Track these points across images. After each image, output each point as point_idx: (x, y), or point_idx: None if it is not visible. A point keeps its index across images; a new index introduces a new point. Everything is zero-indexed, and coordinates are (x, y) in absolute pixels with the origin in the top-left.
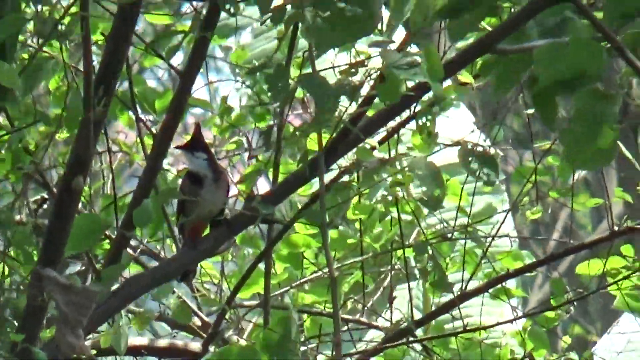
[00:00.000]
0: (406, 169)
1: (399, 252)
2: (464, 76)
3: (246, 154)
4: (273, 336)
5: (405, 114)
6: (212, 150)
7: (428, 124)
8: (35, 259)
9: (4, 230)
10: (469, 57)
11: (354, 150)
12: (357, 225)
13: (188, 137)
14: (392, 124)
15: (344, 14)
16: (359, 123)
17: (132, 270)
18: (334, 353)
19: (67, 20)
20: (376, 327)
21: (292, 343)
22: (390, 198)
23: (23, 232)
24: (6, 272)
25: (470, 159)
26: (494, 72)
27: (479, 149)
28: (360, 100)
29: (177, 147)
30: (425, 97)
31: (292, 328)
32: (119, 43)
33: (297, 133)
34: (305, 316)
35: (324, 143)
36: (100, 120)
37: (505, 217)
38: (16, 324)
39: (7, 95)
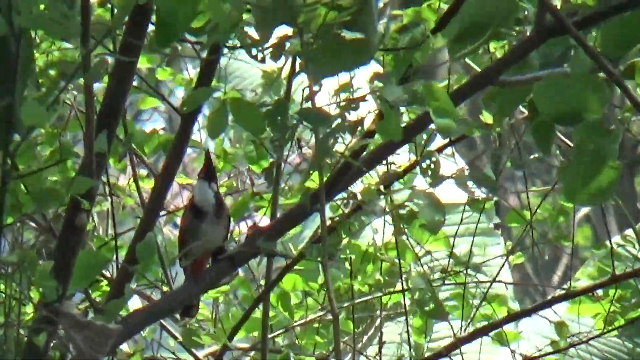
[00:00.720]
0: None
1: (385, 298)
2: (485, 117)
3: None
4: None
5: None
6: None
7: (432, 165)
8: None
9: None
10: (470, 89)
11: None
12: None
13: None
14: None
15: (344, 42)
16: (360, 156)
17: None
18: None
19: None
20: None
21: None
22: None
23: (44, 270)
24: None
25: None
26: (495, 103)
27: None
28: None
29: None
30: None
31: None
32: (122, 76)
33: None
34: None
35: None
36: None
37: (504, 263)
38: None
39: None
